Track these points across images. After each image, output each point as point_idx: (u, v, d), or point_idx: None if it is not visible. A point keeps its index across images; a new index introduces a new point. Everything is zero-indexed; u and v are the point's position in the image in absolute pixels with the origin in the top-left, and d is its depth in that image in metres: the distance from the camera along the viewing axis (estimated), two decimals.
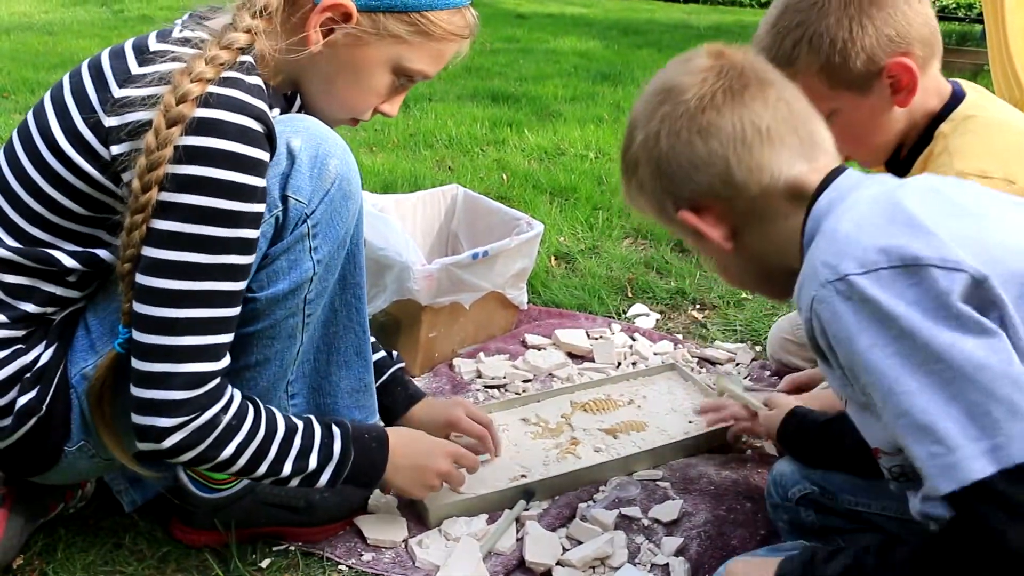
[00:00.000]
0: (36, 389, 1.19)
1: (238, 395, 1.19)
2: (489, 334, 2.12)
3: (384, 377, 1.55)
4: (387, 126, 4.01)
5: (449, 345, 2.02)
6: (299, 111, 1.34)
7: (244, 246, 1.12)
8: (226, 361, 1.16)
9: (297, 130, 1.22)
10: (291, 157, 1.20)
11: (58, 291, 1.21)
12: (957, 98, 1.41)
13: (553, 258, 2.61)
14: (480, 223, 2.23)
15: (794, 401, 1.46)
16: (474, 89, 4.91)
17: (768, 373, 1.99)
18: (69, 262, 1.18)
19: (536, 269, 2.33)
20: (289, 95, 1.33)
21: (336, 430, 1.29)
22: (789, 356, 1.94)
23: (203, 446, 1.15)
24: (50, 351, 1.20)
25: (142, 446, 1.15)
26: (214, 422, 1.15)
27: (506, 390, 1.91)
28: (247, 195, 1.10)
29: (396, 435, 1.38)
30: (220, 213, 1.08)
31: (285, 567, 1.37)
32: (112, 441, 1.20)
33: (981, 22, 5.44)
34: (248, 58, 1.13)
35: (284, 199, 1.20)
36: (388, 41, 1.21)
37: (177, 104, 1.05)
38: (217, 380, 1.15)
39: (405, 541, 1.42)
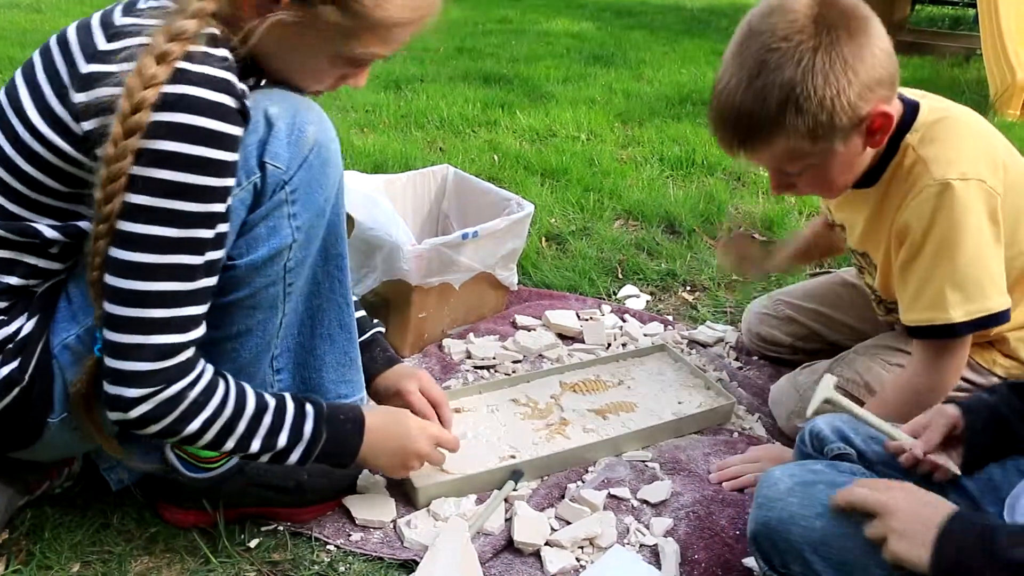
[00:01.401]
0: (18, 360, 1.18)
1: (210, 370, 1.19)
2: (479, 315, 2.11)
3: (364, 336, 1.54)
4: (378, 107, 3.99)
5: (439, 325, 2.01)
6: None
7: (213, 220, 1.11)
8: (196, 334, 1.15)
9: (274, 98, 1.20)
10: (269, 124, 1.18)
11: (40, 263, 1.20)
12: (912, 107, 1.42)
13: (544, 239, 2.60)
14: (471, 203, 2.22)
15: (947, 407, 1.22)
16: (466, 70, 4.88)
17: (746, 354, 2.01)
18: (51, 234, 1.18)
19: (527, 250, 2.33)
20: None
21: (309, 409, 1.28)
22: (769, 329, 1.95)
23: (169, 419, 1.15)
24: (32, 322, 1.20)
25: (112, 416, 1.15)
26: (181, 396, 1.14)
27: (496, 371, 1.91)
28: (217, 169, 1.08)
29: (375, 416, 1.37)
30: (190, 188, 1.07)
31: (273, 547, 1.37)
32: (96, 431, 1.21)
33: (974, 6, 5.43)
34: (213, 29, 1.10)
35: (262, 165, 1.18)
36: (327, 29, 1.14)
37: (145, 79, 1.03)
38: (186, 353, 1.14)
39: (393, 521, 1.42)
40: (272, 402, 1.25)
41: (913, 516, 1.00)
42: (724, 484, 1.52)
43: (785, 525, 1.11)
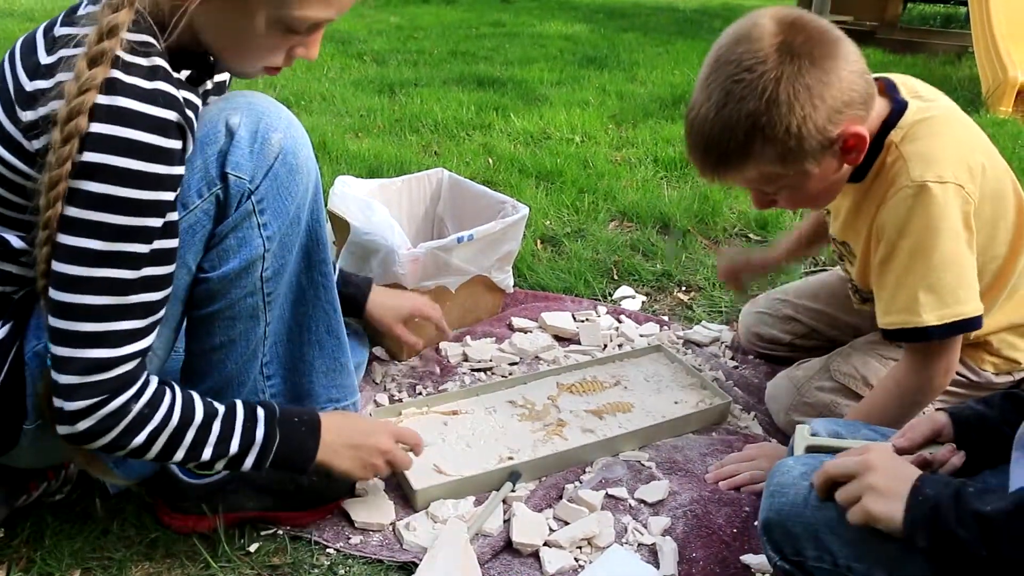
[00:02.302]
0: None
1: (154, 382, 1.17)
2: (475, 317, 2.12)
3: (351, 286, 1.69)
4: (373, 111, 3.99)
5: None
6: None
7: (148, 234, 1.09)
8: (134, 348, 1.13)
9: (237, 106, 1.19)
10: (229, 133, 1.18)
11: (14, 269, 1.20)
12: (899, 104, 1.42)
13: (539, 241, 2.61)
14: (466, 207, 2.23)
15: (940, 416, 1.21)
16: (460, 73, 4.89)
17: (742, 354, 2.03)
18: (18, 244, 1.17)
19: (522, 252, 2.34)
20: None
21: (260, 413, 1.26)
22: (767, 328, 1.97)
23: (115, 433, 1.13)
24: (6, 328, 1.20)
25: (60, 429, 1.13)
26: (124, 410, 1.13)
27: (493, 373, 1.92)
28: (149, 183, 1.06)
29: (331, 417, 1.34)
30: (119, 200, 1.04)
31: (273, 551, 1.37)
32: (79, 455, 1.20)
33: (965, 4, 5.45)
34: (146, 37, 1.07)
35: (223, 176, 1.18)
36: None
37: (80, 84, 1.02)
38: (124, 367, 1.12)
39: (392, 524, 1.43)
40: (221, 409, 1.23)
41: (891, 473, 1.00)
42: (720, 483, 1.52)
43: (799, 509, 1.11)
